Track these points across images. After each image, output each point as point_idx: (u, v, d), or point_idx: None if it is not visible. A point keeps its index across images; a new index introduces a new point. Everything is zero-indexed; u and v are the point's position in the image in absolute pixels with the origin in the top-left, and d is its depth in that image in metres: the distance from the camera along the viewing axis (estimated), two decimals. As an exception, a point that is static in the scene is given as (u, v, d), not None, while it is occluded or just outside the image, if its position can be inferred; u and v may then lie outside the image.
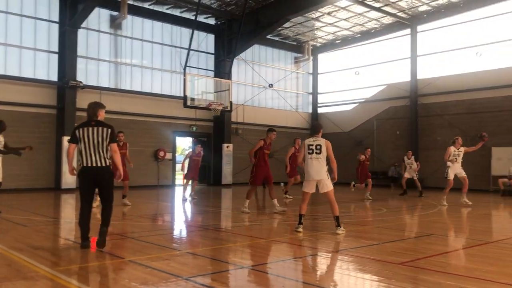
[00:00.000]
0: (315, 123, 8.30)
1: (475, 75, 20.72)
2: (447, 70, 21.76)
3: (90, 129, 6.05)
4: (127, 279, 4.68)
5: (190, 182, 14.68)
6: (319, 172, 7.67)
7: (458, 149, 12.95)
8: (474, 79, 20.71)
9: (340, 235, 7.50)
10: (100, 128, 6.07)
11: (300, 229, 7.72)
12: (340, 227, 7.67)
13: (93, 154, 6.01)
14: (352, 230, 8.61)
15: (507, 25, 19.83)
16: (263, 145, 10.64)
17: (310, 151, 7.71)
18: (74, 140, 6.10)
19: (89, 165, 6.01)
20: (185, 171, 14.82)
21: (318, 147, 7.70)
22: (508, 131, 19.45)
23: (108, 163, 6.10)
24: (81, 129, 6.06)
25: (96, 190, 6.29)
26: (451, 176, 12.95)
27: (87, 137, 6.01)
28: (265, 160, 10.71)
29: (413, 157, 17.03)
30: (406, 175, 16.73)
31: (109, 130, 6.12)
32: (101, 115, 6.25)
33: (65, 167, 17.38)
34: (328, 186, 7.71)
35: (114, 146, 6.19)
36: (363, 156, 15.30)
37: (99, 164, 6.01)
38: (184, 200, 14.12)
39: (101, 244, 5.96)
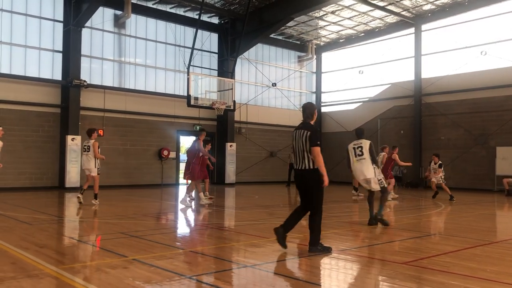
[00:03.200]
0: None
1: (479, 74, 20.61)
2: (451, 69, 21.67)
3: (297, 132, 6.17)
4: (131, 278, 4.69)
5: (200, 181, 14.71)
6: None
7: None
8: (478, 78, 20.60)
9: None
10: (301, 131, 6.10)
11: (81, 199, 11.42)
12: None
13: (294, 157, 6.24)
14: (355, 230, 8.61)
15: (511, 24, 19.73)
16: None
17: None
18: None
19: (294, 167, 6.27)
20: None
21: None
22: (512, 130, 19.37)
23: (310, 167, 6.02)
24: (294, 132, 6.24)
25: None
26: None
27: (294, 139, 6.18)
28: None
29: (439, 162, 15.55)
30: (434, 179, 15.44)
31: (308, 133, 6.02)
32: (315, 117, 6.28)
33: (69, 166, 17.42)
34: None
35: (314, 150, 5.95)
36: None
37: (299, 167, 6.12)
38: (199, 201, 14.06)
39: (310, 250, 6.14)
